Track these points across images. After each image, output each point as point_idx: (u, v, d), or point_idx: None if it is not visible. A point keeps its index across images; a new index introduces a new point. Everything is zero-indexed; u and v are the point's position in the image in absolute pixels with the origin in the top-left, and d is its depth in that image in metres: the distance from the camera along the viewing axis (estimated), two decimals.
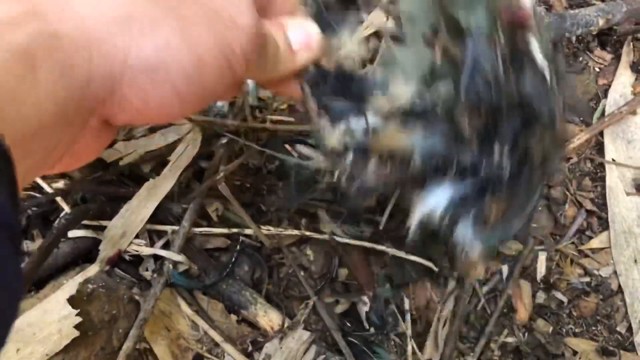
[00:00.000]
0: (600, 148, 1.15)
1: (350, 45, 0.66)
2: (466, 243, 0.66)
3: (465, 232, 0.65)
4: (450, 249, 0.93)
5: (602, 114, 1.14)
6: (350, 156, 0.64)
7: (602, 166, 1.14)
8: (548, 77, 0.64)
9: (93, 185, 0.94)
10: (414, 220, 0.65)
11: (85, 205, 0.91)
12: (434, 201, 0.63)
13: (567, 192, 1.14)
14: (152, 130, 1.00)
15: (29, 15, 0.36)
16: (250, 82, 1.12)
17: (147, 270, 0.95)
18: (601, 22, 1.08)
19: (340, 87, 0.64)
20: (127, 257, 0.95)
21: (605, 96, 1.15)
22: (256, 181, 1.14)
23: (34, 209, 0.92)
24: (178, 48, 0.41)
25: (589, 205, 1.13)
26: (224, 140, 1.01)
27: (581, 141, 1.11)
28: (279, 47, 0.52)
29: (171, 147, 0.99)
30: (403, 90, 0.62)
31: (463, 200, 0.63)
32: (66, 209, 0.90)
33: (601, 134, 1.14)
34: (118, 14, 0.40)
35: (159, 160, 1.00)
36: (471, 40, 0.60)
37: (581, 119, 1.15)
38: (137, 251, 0.94)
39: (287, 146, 1.07)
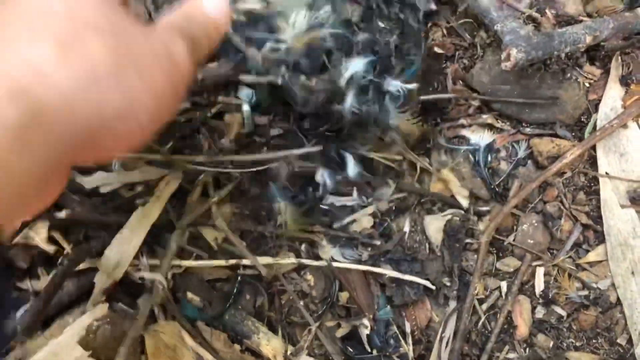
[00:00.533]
0: (593, 162, 1.16)
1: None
2: (394, 90, 0.95)
3: (389, 84, 0.95)
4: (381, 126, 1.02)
5: (594, 128, 1.15)
6: (283, 67, 0.94)
7: (595, 180, 1.16)
8: None
9: (94, 215, 0.96)
10: (343, 79, 0.92)
11: (87, 243, 0.93)
12: (353, 68, 0.92)
13: (562, 207, 1.15)
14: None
15: (18, 92, 0.41)
16: (245, 109, 1.14)
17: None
18: (589, 39, 1.09)
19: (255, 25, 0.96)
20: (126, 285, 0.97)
21: (596, 110, 1.16)
22: (255, 207, 1.15)
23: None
24: (140, 93, 0.48)
25: (584, 219, 1.15)
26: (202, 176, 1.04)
27: (574, 156, 1.13)
28: (207, 31, 0.60)
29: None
30: (297, 17, 0.95)
31: (371, 64, 0.93)
32: (67, 248, 0.91)
33: (593, 148, 1.15)
34: (88, 75, 0.45)
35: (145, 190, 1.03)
36: None
37: (573, 134, 1.16)
38: (138, 279, 0.96)
39: None
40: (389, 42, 0.96)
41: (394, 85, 0.95)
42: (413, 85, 0.96)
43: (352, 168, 1.06)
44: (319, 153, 1.13)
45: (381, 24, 0.97)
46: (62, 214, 0.92)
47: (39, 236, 0.91)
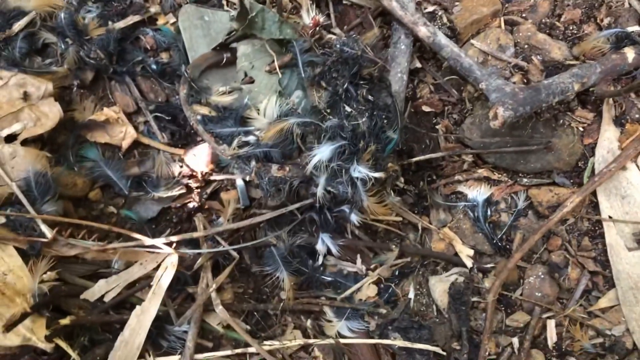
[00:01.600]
0: (595, 206, 1.14)
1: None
2: (360, 176, 0.95)
3: (355, 170, 0.96)
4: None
5: (592, 172, 1.13)
6: (253, 161, 0.99)
7: (599, 224, 1.14)
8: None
9: (98, 317, 0.97)
10: (309, 166, 0.95)
11: (92, 350, 0.93)
12: (319, 156, 0.95)
13: (568, 255, 1.14)
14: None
15: None
16: (239, 184, 1.15)
17: None
18: (577, 86, 1.08)
19: (225, 119, 1.02)
20: None
21: (593, 154, 1.14)
22: (257, 285, 1.15)
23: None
24: None
25: (591, 266, 1.13)
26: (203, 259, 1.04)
27: (575, 203, 1.11)
28: None
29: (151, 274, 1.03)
30: (268, 105, 1.01)
31: (340, 149, 0.95)
32: (73, 354, 0.92)
33: (594, 192, 1.13)
34: None
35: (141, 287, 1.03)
36: (293, 42, 1.04)
37: (571, 180, 1.15)
38: None
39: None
40: (358, 125, 0.97)
41: (359, 171, 0.96)
42: (378, 174, 0.96)
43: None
44: (317, 220, 1.13)
45: (348, 109, 0.98)
46: (66, 321, 0.93)
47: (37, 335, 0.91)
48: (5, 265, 0.91)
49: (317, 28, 1.05)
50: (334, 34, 1.13)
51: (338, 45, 0.98)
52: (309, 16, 1.07)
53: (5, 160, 0.99)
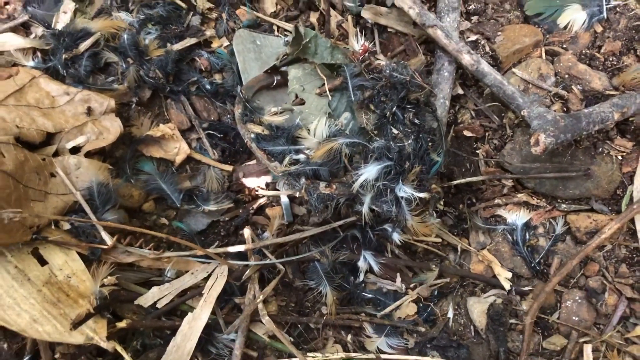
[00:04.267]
0: (633, 233, 1.16)
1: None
2: (405, 195, 0.99)
3: (401, 190, 0.99)
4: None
5: (631, 200, 1.15)
6: (302, 178, 1.03)
7: (637, 251, 1.15)
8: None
9: (151, 322, 1.02)
10: (356, 185, 0.99)
11: (145, 354, 0.98)
12: (366, 175, 0.99)
13: (605, 281, 1.15)
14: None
15: None
16: (284, 201, 1.19)
17: None
18: (616, 116, 1.11)
19: (277, 137, 1.07)
20: None
21: (632, 182, 1.16)
22: (299, 299, 1.19)
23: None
24: None
25: (629, 292, 1.14)
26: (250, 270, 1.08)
27: (613, 230, 1.13)
28: None
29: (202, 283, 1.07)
30: (318, 125, 1.05)
31: (386, 169, 0.99)
32: (126, 357, 0.96)
33: (632, 220, 1.15)
34: None
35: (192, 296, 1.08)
36: (344, 69, 1.10)
37: (609, 207, 1.17)
38: None
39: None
40: (404, 147, 1.01)
41: (405, 191, 1.00)
42: (423, 194, 1.00)
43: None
44: (359, 238, 1.17)
45: (395, 131, 1.02)
46: (123, 324, 0.97)
47: (99, 335, 0.95)
48: (69, 269, 0.97)
49: (367, 54, 1.10)
50: (381, 60, 1.18)
51: (387, 71, 1.03)
52: (359, 43, 1.13)
53: (70, 170, 1.05)
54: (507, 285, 1.15)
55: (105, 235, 1.02)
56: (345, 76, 1.09)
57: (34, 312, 0.91)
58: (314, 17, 1.30)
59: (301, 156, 1.04)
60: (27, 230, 0.95)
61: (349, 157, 1.03)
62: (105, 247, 1.01)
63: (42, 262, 0.98)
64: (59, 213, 1.00)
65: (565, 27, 1.24)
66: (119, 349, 0.97)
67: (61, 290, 0.95)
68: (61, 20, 1.21)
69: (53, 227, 1.00)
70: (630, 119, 1.14)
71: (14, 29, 1.23)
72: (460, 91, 1.24)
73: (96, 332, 0.90)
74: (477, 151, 1.22)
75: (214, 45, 1.28)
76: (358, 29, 1.29)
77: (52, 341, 0.91)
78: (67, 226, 1.01)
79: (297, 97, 1.15)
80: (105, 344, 0.89)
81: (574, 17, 1.23)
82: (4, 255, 0.97)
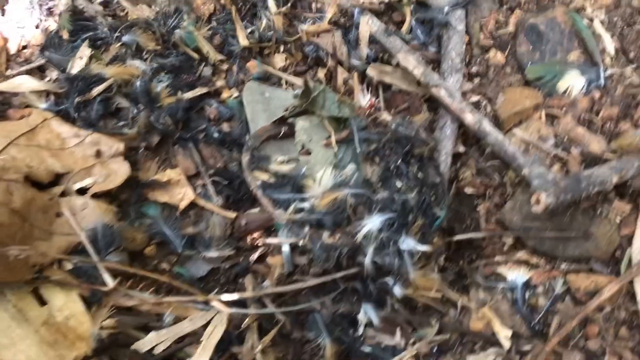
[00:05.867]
0: (632, 296, 1.16)
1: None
2: (408, 248, 1.01)
3: (404, 243, 1.02)
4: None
5: (630, 263, 1.16)
6: (306, 227, 1.05)
7: (637, 314, 1.15)
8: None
9: None
10: (359, 235, 1.02)
11: None
12: (370, 225, 1.01)
13: (605, 344, 1.15)
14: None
15: None
16: (285, 250, 1.20)
17: None
18: (615, 179, 1.13)
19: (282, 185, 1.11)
20: None
21: (630, 245, 1.18)
22: (297, 352, 1.18)
23: None
24: None
25: (629, 356, 1.13)
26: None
27: (612, 291, 1.13)
28: None
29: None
30: (323, 175, 1.09)
31: (389, 221, 1.02)
32: None
33: (632, 283, 1.16)
34: None
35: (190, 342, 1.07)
36: (351, 122, 1.13)
37: (609, 269, 1.18)
38: None
39: None
40: (407, 200, 1.03)
41: (408, 244, 1.02)
42: (426, 247, 1.01)
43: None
44: (360, 290, 1.17)
45: (399, 184, 1.05)
46: None
47: None
48: (68, 310, 0.96)
49: (373, 109, 1.14)
50: (387, 116, 1.21)
51: (393, 126, 1.06)
52: (365, 98, 1.16)
53: (76, 210, 1.06)
54: (506, 344, 1.14)
55: (107, 277, 1.01)
56: (351, 129, 1.11)
57: (30, 353, 0.90)
58: (321, 73, 1.34)
59: (306, 205, 1.06)
60: (29, 269, 0.95)
61: (353, 208, 1.05)
62: (106, 289, 1.00)
63: (42, 302, 0.97)
64: (62, 253, 1.00)
65: (564, 92, 1.28)
66: None
67: (59, 331, 0.94)
68: (76, 65, 1.24)
69: (55, 267, 1.00)
70: (628, 182, 1.16)
71: (29, 72, 1.26)
72: (462, 149, 1.27)
73: None
74: (478, 208, 1.24)
75: (224, 95, 1.31)
76: (364, 86, 1.32)
77: None
78: (69, 266, 1.01)
79: (303, 147, 1.17)
80: None
81: (573, 82, 1.28)
82: (3, 293, 0.97)
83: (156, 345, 1.02)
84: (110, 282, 1.01)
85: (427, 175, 1.06)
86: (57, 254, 1.00)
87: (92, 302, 1.00)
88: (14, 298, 0.95)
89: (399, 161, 1.05)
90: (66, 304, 0.97)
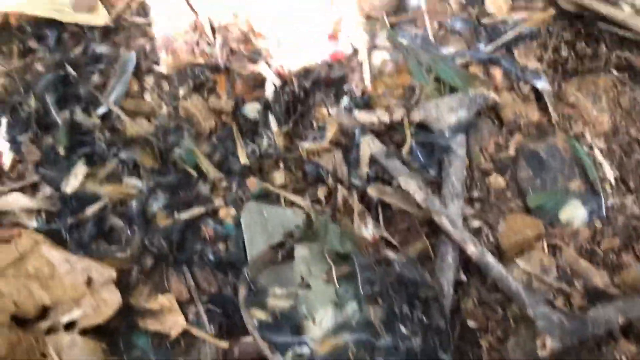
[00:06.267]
0: None
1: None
2: None
3: None
4: None
5: None
6: None
7: None
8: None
9: None
10: None
11: None
12: None
13: None
14: None
15: None
16: None
17: None
18: (621, 320, 1.11)
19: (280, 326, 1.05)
20: None
21: None
22: None
23: None
24: None
25: None
26: None
27: None
28: None
29: None
30: (323, 315, 1.05)
31: None
32: None
33: None
34: None
35: None
36: (353, 259, 1.09)
37: None
38: None
39: None
40: (412, 347, 1.00)
41: None
42: None
43: None
44: None
45: (404, 330, 1.01)
46: None
47: None
48: None
49: (376, 244, 1.11)
50: (393, 246, 1.19)
51: (397, 267, 1.03)
52: (368, 229, 1.14)
53: (63, 350, 1.00)
54: None
55: None
56: (354, 266, 1.09)
57: None
58: (321, 191, 1.32)
59: (305, 350, 1.02)
60: None
61: (355, 355, 1.01)
62: None
63: None
64: None
65: (566, 222, 1.27)
66: None
67: None
68: (71, 184, 1.22)
69: None
70: (634, 323, 1.14)
71: (22, 189, 1.23)
72: (464, 277, 1.24)
73: None
74: (481, 342, 1.20)
75: (221, 214, 1.28)
76: (362, 207, 1.30)
77: None
78: None
79: (303, 279, 1.14)
80: None
81: (575, 212, 1.27)
82: None
83: None
84: None
85: (432, 319, 1.03)
86: None
87: None
88: None
89: (403, 304, 1.02)
90: None
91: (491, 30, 1.46)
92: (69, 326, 1.05)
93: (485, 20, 1.48)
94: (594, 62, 1.42)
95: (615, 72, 1.41)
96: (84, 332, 1.05)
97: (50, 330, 1.03)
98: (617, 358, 1.16)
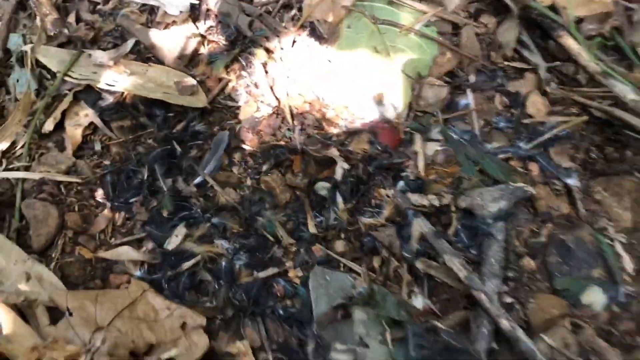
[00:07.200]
0: None
1: None
2: None
3: None
4: None
5: None
6: None
7: None
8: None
9: None
10: None
11: None
12: None
13: None
14: None
15: None
16: None
17: None
18: None
19: None
20: None
21: None
22: None
23: None
24: None
25: None
26: None
27: None
28: None
29: None
30: None
31: None
32: None
33: None
34: None
35: None
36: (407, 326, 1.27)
37: None
38: None
39: None
40: None
41: None
42: None
43: None
44: None
45: None
46: None
47: None
48: None
49: (426, 314, 1.33)
50: (439, 324, 1.40)
51: (445, 337, 1.24)
52: (419, 303, 1.35)
53: None
54: None
55: None
56: (407, 333, 1.30)
57: None
58: (375, 261, 1.55)
59: None
60: None
61: None
62: None
63: None
64: None
65: (588, 305, 1.47)
66: None
67: None
68: (172, 242, 1.46)
69: None
70: None
71: (130, 242, 1.48)
72: (496, 346, 1.44)
73: None
74: None
75: (290, 274, 1.51)
76: (410, 277, 1.52)
77: None
78: None
79: (361, 339, 1.36)
80: None
81: (596, 297, 1.47)
82: None
83: None
84: None
85: None
86: None
87: None
88: None
89: None
90: None
91: (531, 130, 1.68)
92: None
93: (525, 121, 1.70)
94: (620, 165, 1.62)
95: (638, 175, 1.62)
96: None
97: None
98: None
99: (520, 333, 1.38)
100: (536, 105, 1.72)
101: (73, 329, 1.20)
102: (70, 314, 1.24)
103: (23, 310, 1.29)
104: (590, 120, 1.68)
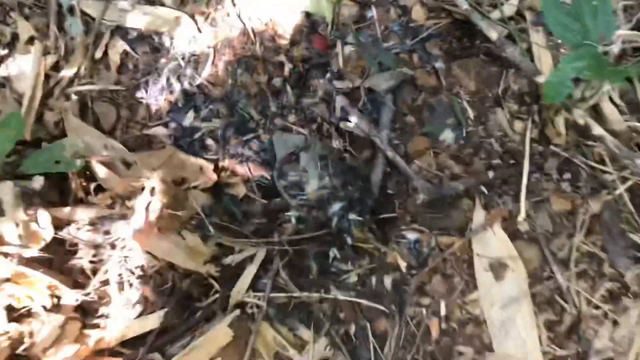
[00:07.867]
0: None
1: None
2: None
3: None
4: None
5: None
6: None
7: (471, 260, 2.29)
8: None
9: None
10: None
11: None
12: None
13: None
14: None
15: None
16: None
17: None
18: (462, 187, 2.26)
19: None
20: None
21: None
22: None
23: None
24: None
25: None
26: None
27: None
28: None
29: None
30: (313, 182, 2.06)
31: None
32: None
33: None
34: None
35: None
36: (329, 157, 2.21)
37: None
38: None
39: None
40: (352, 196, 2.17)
41: None
42: None
43: None
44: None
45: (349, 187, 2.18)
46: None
47: None
48: None
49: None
50: (354, 155, 2.34)
51: (352, 163, 2.19)
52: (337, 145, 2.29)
53: None
54: (403, 269, 2.29)
55: None
56: (328, 162, 2.25)
57: None
58: (314, 126, 2.48)
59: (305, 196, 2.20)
60: None
61: (327, 200, 2.19)
62: None
63: None
64: None
65: (443, 140, 2.41)
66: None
67: None
68: (186, 120, 2.39)
69: None
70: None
71: (161, 124, 2.41)
72: (388, 169, 2.40)
73: None
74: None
75: (262, 137, 2.44)
76: (337, 133, 2.46)
77: None
78: None
79: (304, 169, 2.32)
80: None
81: (448, 135, 2.40)
82: None
83: None
84: None
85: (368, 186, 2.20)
86: None
87: None
88: None
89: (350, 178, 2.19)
90: None
91: (414, 31, 2.53)
92: None
93: (411, 25, 2.55)
94: (470, 50, 2.50)
95: (482, 57, 2.50)
96: None
97: None
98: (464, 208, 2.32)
99: (399, 159, 2.33)
100: (418, 13, 2.55)
101: (140, 170, 2.14)
102: (136, 163, 2.18)
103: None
104: (452, 21, 2.52)
